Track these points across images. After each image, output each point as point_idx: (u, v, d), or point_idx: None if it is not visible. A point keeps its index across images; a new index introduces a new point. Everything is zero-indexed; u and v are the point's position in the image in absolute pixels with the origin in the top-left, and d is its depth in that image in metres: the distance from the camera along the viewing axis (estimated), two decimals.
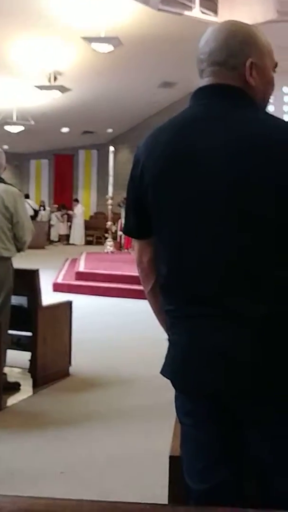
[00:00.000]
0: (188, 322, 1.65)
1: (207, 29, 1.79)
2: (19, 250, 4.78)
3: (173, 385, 1.75)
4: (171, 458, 1.98)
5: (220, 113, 1.66)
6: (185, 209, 1.64)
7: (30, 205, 21.97)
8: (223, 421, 1.64)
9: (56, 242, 25.05)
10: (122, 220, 17.36)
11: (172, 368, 1.73)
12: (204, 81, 1.77)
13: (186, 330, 1.67)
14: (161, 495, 2.02)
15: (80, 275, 11.24)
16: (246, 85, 1.69)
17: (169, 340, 1.79)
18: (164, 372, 1.77)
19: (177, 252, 1.66)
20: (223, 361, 1.58)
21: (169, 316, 1.76)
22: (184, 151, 1.64)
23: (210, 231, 1.60)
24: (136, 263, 1.93)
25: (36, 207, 23.67)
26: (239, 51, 1.70)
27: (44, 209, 25.40)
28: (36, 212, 23.10)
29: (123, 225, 1.99)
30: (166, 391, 4.75)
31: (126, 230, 1.93)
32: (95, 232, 25.01)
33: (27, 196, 23.24)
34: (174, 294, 1.70)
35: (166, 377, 1.76)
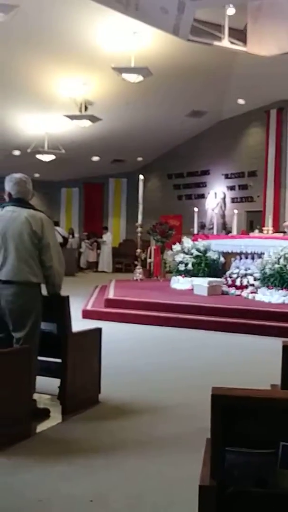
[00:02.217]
0: None
1: None
2: (49, 278, 4.79)
3: None
4: (201, 487, 1.96)
5: None
6: None
7: (59, 232, 22.12)
8: None
9: (85, 269, 25.17)
10: (152, 248, 17.34)
11: None
12: None
13: None
14: None
15: (109, 302, 11.27)
16: None
17: None
18: None
19: None
20: None
21: None
22: None
23: None
24: None
25: (66, 235, 23.84)
26: None
27: (73, 237, 25.56)
28: (65, 240, 23.26)
29: None
30: (195, 419, 4.73)
31: None
32: (124, 259, 25.07)
33: (56, 224, 23.40)
34: None
35: None
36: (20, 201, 4.81)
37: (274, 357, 3.65)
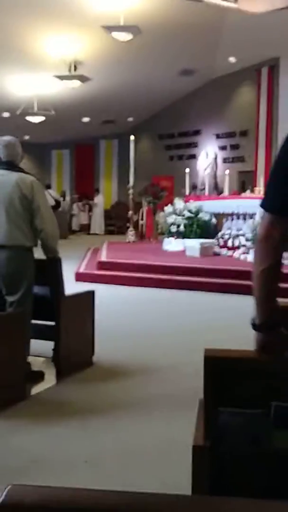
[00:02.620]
0: None
1: None
2: (43, 242, 4.79)
3: None
4: (195, 448, 1.98)
5: None
6: None
7: (52, 195, 22.00)
8: None
9: (77, 232, 25.15)
10: (144, 209, 17.24)
11: None
12: None
13: None
14: (184, 485, 2.02)
15: (102, 265, 11.28)
16: None
17: None
18: None
19: None
20: None
21: None
22: None
23: None
24: (260, 238, 1.87)
25: (59, 198, 23.71)
26: None
27: (64, 199, 25.44)
28: (58, 203, 23.13)
29: (263, 199, 1.88)
30: (189, 380, 4.77)
31: (268, 204, 1.85)
32: (116, 221, 25.04)
33: (48, 186, 23.28)
34: None
35: None
36: (10, 165, 4.77)
37: None
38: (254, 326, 1.95)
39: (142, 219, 18.94)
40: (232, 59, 19.35)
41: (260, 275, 1.88)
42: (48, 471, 3.37)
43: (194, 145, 23.46)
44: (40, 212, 4.70)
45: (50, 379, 4.97)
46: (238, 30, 15.57)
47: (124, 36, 13.40)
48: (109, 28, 13.16)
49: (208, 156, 22.50)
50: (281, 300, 1.92)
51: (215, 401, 2.01)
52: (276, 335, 1.90)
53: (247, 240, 11.71)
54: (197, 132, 23.25)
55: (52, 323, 5.10)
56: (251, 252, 11.05)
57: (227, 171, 17.66)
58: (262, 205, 1.88)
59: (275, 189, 1.83)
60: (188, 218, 13.45)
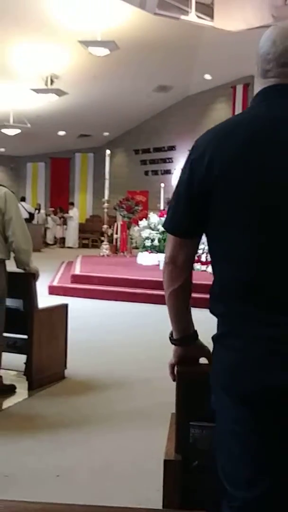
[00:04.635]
0: (265, 328, 1.54)
1: (271, 29, 1.70)
2: (15, 254, 4.73)
3: (228, 392, 1.62)
4: (166, 462, 1.98)
5: None
6: (270, 208, 1.55)
7: (25, 208, 21.95)
8: (283, 429, 1.54)
9: (52, 245, 25.06)
10: (118, 223, 17.23)
11: (233, 373, 1.59)
12: (270, 82, 1.70)
13: (260, 336, 1.55)
14: (155, 499, 2.02)
15: (75, 278, 11.24)
16: None
17: (224, 345, 1.68)
18: (221, 378, 1.64)
19: (262, 253, 1.57)
20: None
21: (231, 320, 1.68)
22: (261, 148, 1.58)
23: None
24: (167, 261, 1.89)
25: (32, 210, 23.65)
26: None
27: (39, 212, 25.35)
28: (31, 215, 23.09)
29: (166, 221, 1.84)
30: (161, 394, 4.76)
31: (172, 227, 1.82)
32: (91, 235, 25.02)
33: (23, 199, 23.23)
34: (251, 298, 1.59)
35: (219, 384, 1.66)
36: None
37: None
38: (172, 341, 2.04)
39: (116, 233, 18.96)
40: (207, 76, 19.54)
41: (170, 297, 1.98)
42: (19, 485, 3.34)
43: (169, 160, 23.59)
44: (12, 224, 4.64)
45: (21, 393, 4.93)
46: (214, 48, 15.73)
47: (101, 51, 13.47)
48: (86, 43, 13.22)
49: None
50: None
51: (186, 415, 2.01)
52: (193, 348, 2.02)
53: None
54: (172, 148, 23.38)
55: (25, 336, 5.07)
56: None
57: None
58: (166, 228, 1.86)
59: (179, 211, 1.78)
60: (163, 232, 13.49)
